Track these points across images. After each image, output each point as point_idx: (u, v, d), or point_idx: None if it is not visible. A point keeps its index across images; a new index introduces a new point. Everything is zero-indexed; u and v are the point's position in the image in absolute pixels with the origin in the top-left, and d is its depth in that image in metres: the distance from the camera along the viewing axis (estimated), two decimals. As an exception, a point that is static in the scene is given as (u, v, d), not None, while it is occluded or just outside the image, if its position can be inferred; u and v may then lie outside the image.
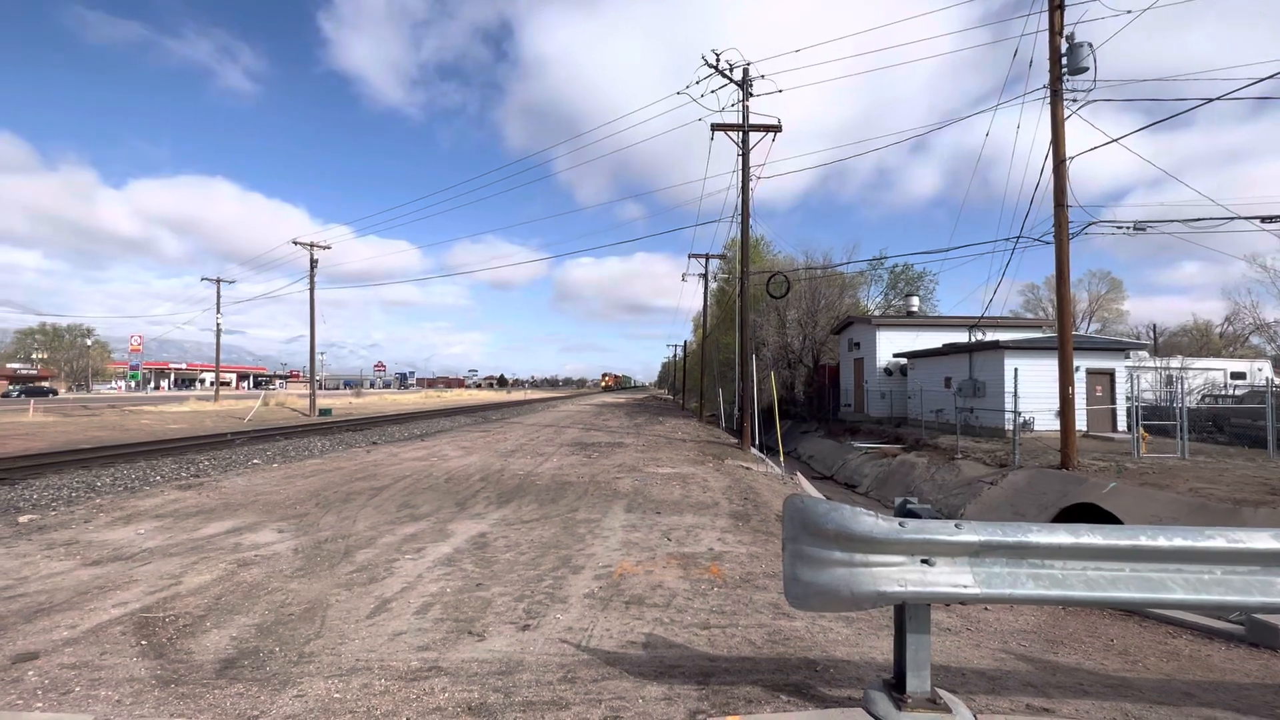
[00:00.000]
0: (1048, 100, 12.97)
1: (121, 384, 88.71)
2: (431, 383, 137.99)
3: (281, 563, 4.93)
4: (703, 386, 34.60)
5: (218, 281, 44.47)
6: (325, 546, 5.53)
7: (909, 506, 2.18)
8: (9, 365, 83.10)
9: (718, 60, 16.64)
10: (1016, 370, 13.78)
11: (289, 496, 8.46)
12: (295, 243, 35.58)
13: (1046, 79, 13.01)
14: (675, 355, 76.19)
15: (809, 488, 11.21)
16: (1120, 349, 19.03)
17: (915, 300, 30.63)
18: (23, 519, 6.96)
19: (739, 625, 3.59)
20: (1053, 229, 12.68)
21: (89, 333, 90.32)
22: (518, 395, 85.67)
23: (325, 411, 34.62)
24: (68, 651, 3.02)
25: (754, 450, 16.84)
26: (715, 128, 17.16)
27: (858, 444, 20.84)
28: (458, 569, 4.80)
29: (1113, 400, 18.05)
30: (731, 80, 16.88)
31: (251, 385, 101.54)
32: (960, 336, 23.78)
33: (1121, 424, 17.96)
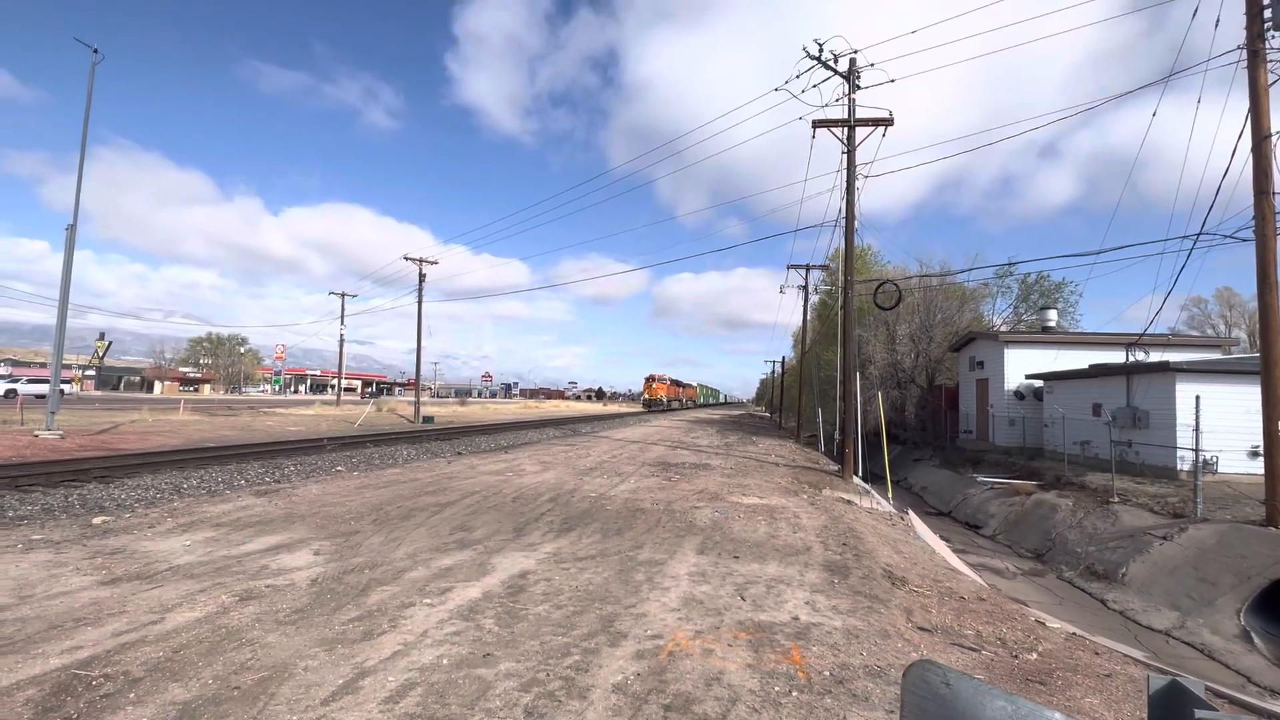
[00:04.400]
0: (1242, 63, 10.47)
1: (268, 388, 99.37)
2: (533, 393, 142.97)
3: (286, 599, 4.32)
4: (801, 405, 32.47)
5: (342, 296, 48.28)
6: (347, 579, 4.91)
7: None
8: (181, 369, 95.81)
9: (820, 51, 15.23)
10: (1198, 398, 11.12)
11: (351, 510, 8.13)
12: (406, 258, 37.73)
13: (1237, 40, 10.53)
14: (773, 372, 73.46)
15: (930, 536, 9.45)
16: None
17: (1052, 314, 26.83)
18: (96, 520, 7.03)
19: (823, 776, 2.41)
20: (1252, 222, 10.13)
21: (244, 341, 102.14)
22: (613, 408, 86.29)
23: (429, 419, 36.12)
24: (-60, 729, 2.46)
25: (857, 479, 15.01)
26: (817, 124, 15.72)
27: (982, 477, 18.21)
28: (473, 626, 3.94)
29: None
30: (836, 72, 15.40)
31: (375, 391, 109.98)
32: (1110, 356, 20.36)
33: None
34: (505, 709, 2.84)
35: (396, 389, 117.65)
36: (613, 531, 7.33)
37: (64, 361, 18.10)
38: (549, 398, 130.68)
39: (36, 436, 16.11)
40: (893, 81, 15.38)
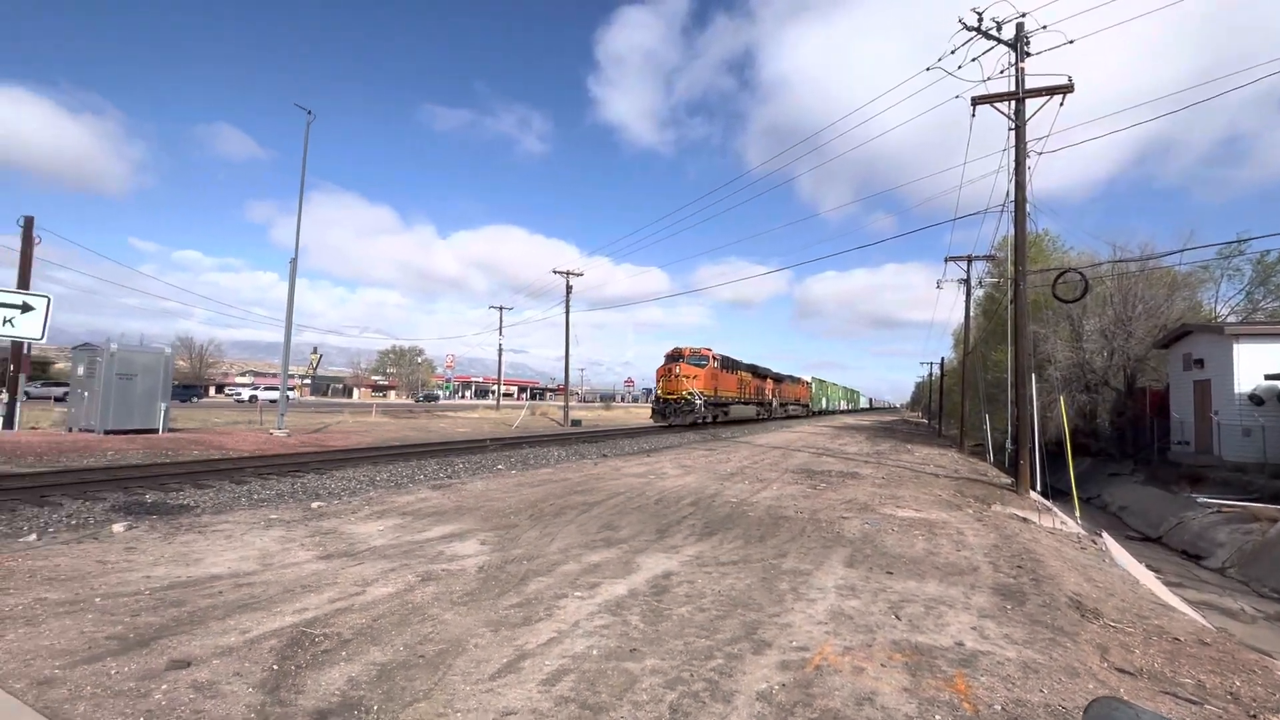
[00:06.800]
0: None
1: (441, 393, 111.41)
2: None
3: (459, 582, 4.84)
4: (963, 411, 29.49)
5: (500, 309, 52.87)
6: (508, 568, 5.37)
7: None
8: (373, 377, 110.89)
9: (980, 20, 13.82)
10: None
11: (510, 505, 8.86)
12: (555, 272, 40.32)
13: None
14: (930, 374, 67.51)
15: (1132, 563, 8.11)
16: None
17: (1303, 300, 21.72)
18: (314, 505, 8.38)
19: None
20: None
21: (421, 352, 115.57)
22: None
23: (576, 422, 38.22)
24: (214, 664, 3.10)
25: (1034, 495, 13.31)
26: (977, 100, 14.24)
27: (1203, 497, 15.26)
28: (620, 621, 4.12)
29: None
30: (1000, 40, 13.88)
31: (529, 397, 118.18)
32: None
33: None
34: (651, 703, 2.93)
35: (548, 394, 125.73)
36: (755, 538, 7.22)
37: (288, 372, 21.79)
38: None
39: (271, 434, 19.58)
40: (1071, 43, 13.50)
